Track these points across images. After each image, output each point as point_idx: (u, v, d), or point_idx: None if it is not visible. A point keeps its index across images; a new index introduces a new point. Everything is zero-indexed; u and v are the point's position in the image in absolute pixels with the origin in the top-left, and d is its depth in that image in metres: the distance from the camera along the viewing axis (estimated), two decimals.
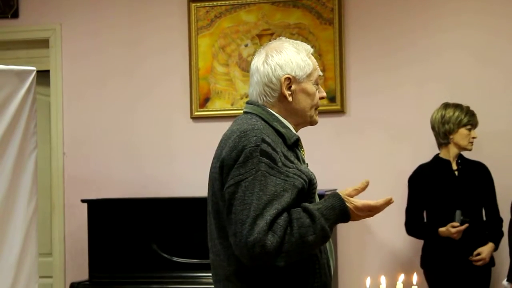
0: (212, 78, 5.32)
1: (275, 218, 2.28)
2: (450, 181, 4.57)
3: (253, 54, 2.62)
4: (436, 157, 4.67)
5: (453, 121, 4.54)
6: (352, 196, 2.45)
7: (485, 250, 4.50)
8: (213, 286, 2.52)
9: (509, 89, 4.96)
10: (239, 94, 5.27)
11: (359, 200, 2.43)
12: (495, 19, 4.98)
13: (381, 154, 5.10)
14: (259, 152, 2.33)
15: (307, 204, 2.37)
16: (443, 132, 4.57)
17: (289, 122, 2.52)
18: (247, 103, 2.55)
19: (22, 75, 4.31)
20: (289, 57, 2.50)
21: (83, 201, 5.00)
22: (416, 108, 5.04)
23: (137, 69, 5.46)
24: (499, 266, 4.61)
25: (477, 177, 4.61)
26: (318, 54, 5.08)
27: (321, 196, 2.57)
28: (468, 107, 4.60)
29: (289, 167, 2.37)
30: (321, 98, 2.58)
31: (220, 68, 5.31)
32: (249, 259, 2.29)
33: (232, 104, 5.28)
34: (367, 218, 2.49)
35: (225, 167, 2.37)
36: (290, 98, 2.50)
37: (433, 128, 4.62)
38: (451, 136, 4.56)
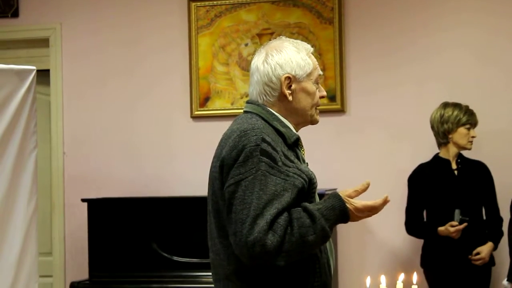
0: (212, 77, 5.32)
1: (275, 217, 2.28)
2: (450, 181, 4.57)
3: (253, 54, 2.62)
4: (436, 157, 4.67)
5: (452, 120, 4.54)
6: (352, 197, 2.45)
7: (484, 250, 4.50)
8: (213, 286, 2.52)
9: (509, 88, 4.96)
10: (239, 93, 5.27)
11: (359, 201, 2.43)
12: (495, 18, 4.98)
13: (381, 153, 5.10)
14: (259, 151, 2.33)
15: (307, 204, 2.37)
16: (442, 132, 4.57)
17: (289, 121, 2.52)
18: (247, 102, 2.55)
19: (22, 74, 4.31)
20: (289, 57, 2.50)
21: (83, 200, 4.99)
22: (416, 107, 5.04)
23: (137, 68, 5.46)
24: (499, 266, 4.61)
25: (477, 177, 4.61)
26: (318, 53, 5.08)
27: (321, 195, 2.58)
28: (467, 106, 4.59)
29: (289, 167, 2.37)
30: (321, 97, 2.58)
31: (220, 67, 5.31)
32: (249, 259, 2.29)
33: (232, 104, 5.28)
34: (367, 218, 2.49)
35: (225, 166, 2.37)
36: (290, 98, 2.50)
37: (432, 127, 4.62)
38: (450, 136, 4.56)
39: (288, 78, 2.49)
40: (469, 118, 4.55)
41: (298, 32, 5.17)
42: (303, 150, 2.56)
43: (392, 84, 5.10)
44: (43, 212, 5.21)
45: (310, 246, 2.33)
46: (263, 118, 2.46)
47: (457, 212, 4.45)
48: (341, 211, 2.38)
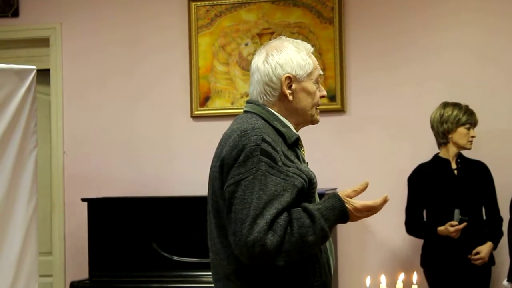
0: (212, 77, 5.32)
1: (275, 217, 2.28)
2: (450, 180, 4.57)
3: (253, 53, 2.62)
4: (436, 157, 4.67)
5: (452, 120, 4.54)
6: (351, 197, 2.45)
7: (484, 249, 4.50)
8: (213, 285, 2.52)
9: (509, 88, 4.96)
10: (239, 93, 5.27)
11: (358, 201, 2.43)
12: (495, 18, 4.98)
13: (381, 153, 5.10)
14: (259, 151, 2.33)
15: (307, 204, 2.37)
16: (442, 132, 4.57)
17: (289, 121, 2.52)
18: (248, 102, 2.55)
19: (22, 74, 4.31)
20: (289, 56, 2.50)
21: (83, 200, 4.99)
22: (416, 107, 5.04)
23: (137, 68, 5.46)
24: (499, 266, 4.61)
25: (476, 176, 4.61)
26: (318, 53, 5.08)
27: (321, 195, 2.57)
28: (467, 106, 4.59)
29: (289, 167, 2.37)
30: (322, 97, 2.58)
31: (220, 67, 5.31)
32: (248, 258, 2.29)
33: (232, 103, 5.28)
34: (367, 218, 2.50)
35: (225, 166, 2.37)
36: (290, 97, 2.50)
37: (432, 127, 4.62)
38: (450, 135, 4.56)
39: (289, 78, 2.49)
40: (469, 118, 4.55)
41: (298, 32, 5.17)
42: (303, 150, 2.56)
43: (392, 84, 5.10)
44: (43, 212, 5.21)
45: (310, 246, 2.33)
46: (263, 118, 2.46)
47: (456, 212, 4.45)
48: (340, 211, 2.39)
